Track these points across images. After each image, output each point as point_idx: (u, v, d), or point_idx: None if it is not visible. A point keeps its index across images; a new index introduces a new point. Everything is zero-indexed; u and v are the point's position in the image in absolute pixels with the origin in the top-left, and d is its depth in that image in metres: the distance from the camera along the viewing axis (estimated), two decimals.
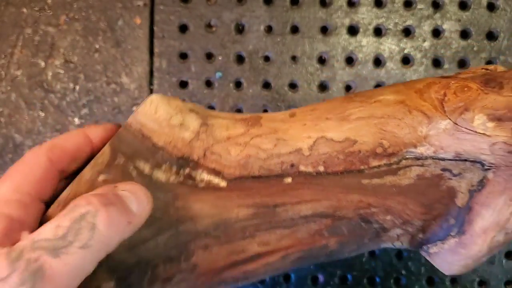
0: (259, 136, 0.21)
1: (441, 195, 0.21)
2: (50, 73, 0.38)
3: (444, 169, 0.21)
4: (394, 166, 0.21)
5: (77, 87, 0.38)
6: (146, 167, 0.20)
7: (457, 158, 0.21)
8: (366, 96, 0.23)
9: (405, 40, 0.38)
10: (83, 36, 0.38)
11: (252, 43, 0.38)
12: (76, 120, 0.38)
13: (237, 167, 0.21)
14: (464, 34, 0.39)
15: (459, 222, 0.21)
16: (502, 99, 0.20)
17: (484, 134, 0.20)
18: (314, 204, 0.21)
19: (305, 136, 0.21)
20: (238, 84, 0.38)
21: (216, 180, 0.21)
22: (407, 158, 0.21)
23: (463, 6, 0.38)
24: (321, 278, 0.38)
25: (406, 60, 0.39)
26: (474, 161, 0.20)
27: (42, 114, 0.38)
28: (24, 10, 0.38)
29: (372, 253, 0.38)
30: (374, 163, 0.21)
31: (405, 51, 0.38)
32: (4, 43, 0.37)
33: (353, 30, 0.38)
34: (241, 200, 0.21)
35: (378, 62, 0.39)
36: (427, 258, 0.24)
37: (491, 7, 0.38)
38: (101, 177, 0.20)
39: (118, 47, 0.38)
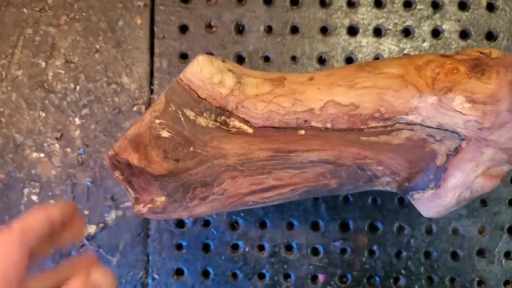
0: (280, 95, 0.26)
1: (424, 155, 0.26)
2: (50, 73, 0.38)
3: (428, 135, 0.25)
4: (389, 128, 0.26)
5: (78, 87, 0.38)
6: (191, 114, 0.26)
7: (440, 128, 0.25)
8: (374, 67, 0.27)
9: (404, 40, 0.38)
10: (83, 36, 0.38)
11: (252, 43, 0.38)
12: (77, 120, 0.38)
13: (262, 119, 0.26)
14: (464, 34, 0.39)
15: (437, 178, 0.26)
16: (480, 85, 0.24)
17: (461, 112, 0.24)
18: (321, 153, 0.26)
19: (318, 98, 0.26)
20: None
21: (245, 127, 0.26)
22: (399, 123, 0.25)
23: (463, 6, 0.39)
24: (321, 277, 0.38)
25: None
26: (452, 132, 0.25)
27: (42, 114, 0.38)
28: (25, 10, 0.38)
29: (371, 253, 0.39)
30: (372, 124, 0.26)
31: (405, 51, 0.38)
32: (5, 44, 0.37)
33: (353, 31, 0.39)
34: (263, 145, 0.26)
35: None
36: (412, 201, 0.29)
37: (490, 7, 0.38)
38: (157, 121, 0.26)
39: (119, 47, 0.38)
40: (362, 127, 0.26)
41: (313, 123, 0.26)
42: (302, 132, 0.26)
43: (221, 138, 0.26)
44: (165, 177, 0.27)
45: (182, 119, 0.26)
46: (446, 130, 0.25)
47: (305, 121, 0.26)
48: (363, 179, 0.27)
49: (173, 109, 0.26)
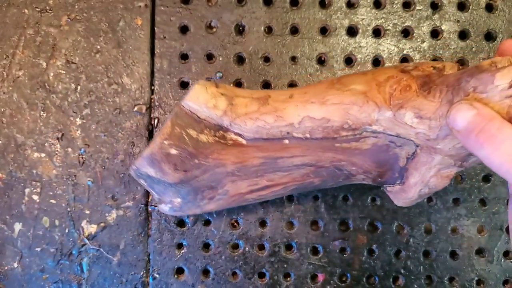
0: (265, 113, 0.31)
1: (389, 158, 0.30)
2: (51, 74, 0.38)
3: (390, 141, 0.30)
4: (357, 136, 0.30)
5: (79, 88, 0.38)
6: (193, 133, 0.31)
7: (398, 136, 0.29)
8: (343, 84, 0.30)
9: (404, 40, 0.38)
10: (84, 37, 0.38)
11: (252, 44, 0.38)
12: (78, 120, 0.38)
13: (252, 133, 0.31)
14: (463, 35, 0.39)
15: (401, 176, 0.31)
16: (426, 102, 0.27)
17: (411, 126, 0.28)
18: (302, 158, 0.31)
19: (296, 114, 0.30)
20: (238, 85, 0.38)
21: (239, 139, 0.31)
22: (366, 131, 0.30)
23: (462, 7, 0.39)
24: (320, 276, 0.39)
25: (405, 61, 0.39)
26: (408, 140, 0.29)
27: (43, 114, 0.38)
28: (26, 11, 0.38)
29: (371, 252, 0.39)
30: (343, 133, 0.30)
31: (404, 52, 0.38)
32: (6, 44, 0.38)
33: (352, 31, 0.39)
34: (255, 153, 0.31)
35: (377, 62, 0.39)
36: (386, 192, 0.34)
37: (489, 8, 0.39)
38: (166, 142, 0.30)
39: (119, 47, 0.38)
40: (335, 136, 0.30)
41: (295, 134, 0.30)
42: (286, 141, 0.31)
43: (219, 150, 0.31)
44: (178, 184, 0.32)
45: (187, 138, 0.31)
46: (404, 138, 0.29)
47: (288, 133, 0.31)
48: (342, 176, 0.32)
49: (178, 130, 0.31)
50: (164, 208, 0.34)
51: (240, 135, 0.31)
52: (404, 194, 0.31)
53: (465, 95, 0.25)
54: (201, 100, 0.31)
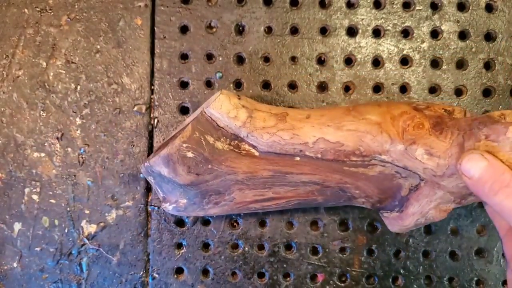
0: (282, 130, 0.32)
1: (392, 186, 0.32)
2: (51, 74, 0.38)
3: (396, 172, 0.32)
4: (366, 163, 0.32)
5: (79, 87, 0.38)
6: (211, 139, 0.32)
7: (405, 168, 0.31)
8: (359, 112, 0.32)
9: (403, 41, 0.38)
10: (84, 36, 0.38)
11: (252, 44, 0.38)
12: (78, 120, 0.38)
13: (266, 146, 0.32)
14: (463, 35, 0.39)
15: (400, 205, 0.33)
16: (438, 142, 0.29)
17: (421, 161, 0.30)
18: (311, 176, 0.33)
19: (311, 134, 0.32)
20: (238, 85, 0.38)
21: (252, 151, 0.33)
22: (375, 159, 0.31)
23: (462, 7, 0.39)
24: (320, 277, 0.39)
25: (404, 61, 0.39)
26: (414, 173, 0.31)
27: (43, 114, 0.38)
28: (26, 10, 0.38)
29: (370, 253, 0.39)
30: (353, 158, 0.32)
31: (404, 52, 0.38)
32: (6, 44, 0.38)
33: (352, 31, 0.39)
34: (266, 166, 0.33)
35: (377, 63, 0.39)
36: (382, 217, 0.35)
37: (489, 8, 0.39)
38: (185, 145, 0.32)
39: (119, 47, 0.38)
40: (345, 159, 0.32)
41: (307, 153, 0.32)
42: (298, 158, 0.32)
43: (233, 159, 0.32)
44: (188, 186, 0.33)
45: (204, 143, 0.32)
46: (410, 171, 0.31)
47: (301, 151, 0.32)
48: (343, 198, 0.34)
49: (197, 135, 0.32)
50: (168, 207, 0.35)
51: (254, 146, 0.32)
52: (401, 222, 0.33)
53: (477, 141, 0.27)
54: (224, 109, 0.32)
